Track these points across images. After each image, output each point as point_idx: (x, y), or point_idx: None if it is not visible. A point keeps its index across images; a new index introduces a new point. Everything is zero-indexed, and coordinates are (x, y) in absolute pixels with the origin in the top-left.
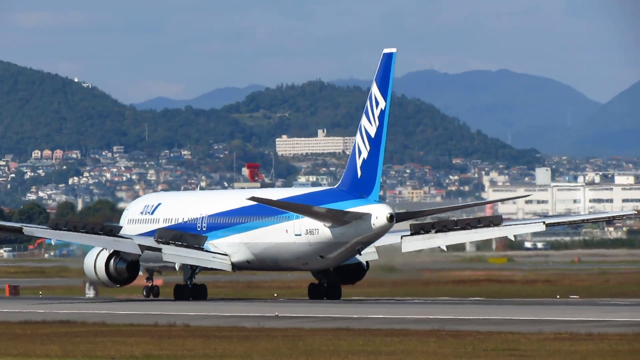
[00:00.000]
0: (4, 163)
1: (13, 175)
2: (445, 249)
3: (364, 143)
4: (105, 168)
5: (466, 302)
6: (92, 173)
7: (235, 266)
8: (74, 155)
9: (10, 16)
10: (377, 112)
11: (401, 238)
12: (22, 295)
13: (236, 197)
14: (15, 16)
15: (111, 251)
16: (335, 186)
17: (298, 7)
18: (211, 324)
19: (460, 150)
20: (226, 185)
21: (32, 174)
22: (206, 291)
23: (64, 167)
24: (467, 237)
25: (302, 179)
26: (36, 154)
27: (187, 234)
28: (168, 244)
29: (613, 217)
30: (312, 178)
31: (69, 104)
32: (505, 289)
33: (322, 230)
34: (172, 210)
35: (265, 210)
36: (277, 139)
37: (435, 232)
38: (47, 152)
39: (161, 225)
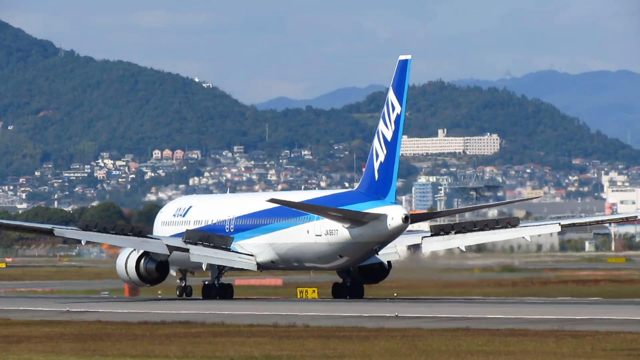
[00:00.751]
0: (124, 163)
1: (133, 175)
2: (464, 249)
3: (381, 146)
4: (225, 168)
5: (585, 302)
6: (212, 173)
7: (261, 266)
8: (194, 156)
9: (131, 17)
10: (393, 117)
11: (422, 239)
12: (141, 295)
13: (262, 200)
14: (136, 16)
15: (141, 252)
16: (354, 188)
17: (418, 8)
18: (331, 324)
19: (580, 150)
20: (347, 185)
21: (152, 174)
22: (232, 290)
23: (184, 167)
24: (485, 237)
25: (422, 179)
26: (156, 154)
27: (214, 235)
28: (196, 244)
29: (628, 218)
30: (432, 178)
31: (190, 104)
32: (624, 289)
33: (341, 231)
34: (203, 213)
35: (288, 212)
36: None
37: (455, 233)
38: (167, 152)
39: (192, 227)
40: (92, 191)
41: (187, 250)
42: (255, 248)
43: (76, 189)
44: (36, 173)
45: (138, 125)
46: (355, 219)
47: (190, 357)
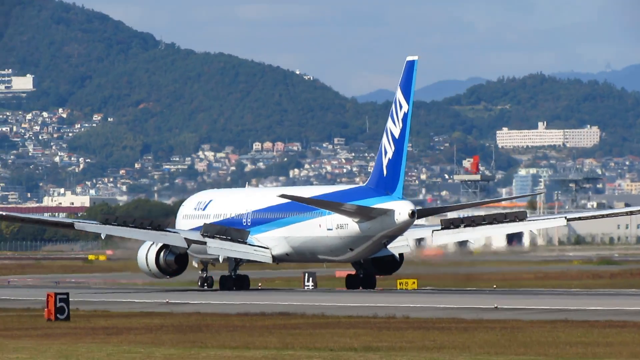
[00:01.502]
0: (224, 155)
1: (233, 167)
2: (473, 242)
3: (389, 144)
4: (325, 160)
5: None
6: (312, 165)
7: (276, 258)
8: (295, 148)
9: (231, 9)
10: (400, 115)
11: (432, 232)
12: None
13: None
14: (236, 9)
15: (160, 245)
16: (364, 184)
17: (518, 0)
18: (430, 316)
19: None
20: (447, 177)
21: (253, 166)
22: (249, 282)
23: (285, 159)
24: (494, 231)
25: (522, 172)
26: (257, 146)
27: (231, 229)
28: (213, 237)
29: (632, 211)
30: (533, 170)
31: (290, 96)
32: None
33: (351, 225)
34: (222, 207)
35: (301, 207)
36: (497, 132)
37: (464, 226)
38: (267, 144)
39: (212, 220)
40: (193, 183)
41: (204, 243)
42: (271, 241)
43: (176, 180)
44: (136, 165)
45: (239, 117)
46: (364, 214)
47: (289, 349)
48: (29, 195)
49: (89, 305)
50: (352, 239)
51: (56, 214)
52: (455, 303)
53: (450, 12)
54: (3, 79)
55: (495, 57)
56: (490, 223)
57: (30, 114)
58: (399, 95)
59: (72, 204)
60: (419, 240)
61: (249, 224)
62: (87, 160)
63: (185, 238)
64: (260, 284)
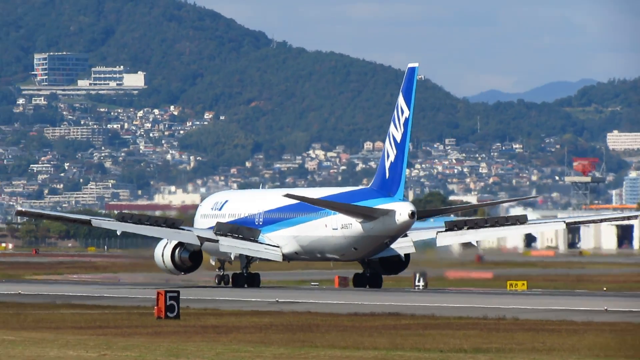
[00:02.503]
0: (335, 154)
1: (344, 167)
2: (476, 244)
3: (391, 147)
4: (436, 160)
5: None
6: (423, 165)
7: (286, 257)
8: None
9: (343, 8)
10: (402, 120)
11: (436, 233)
12: (350, 287)
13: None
14: (347, 8)
15: (176, 242)
16: (368, 186)
17: (630, 2)
18: (540, 317)
19: None
20: (557, 179)
21: (364, 165)
22: (259, 279)
23: None
24: (496, 233)
25: (633, 174)
26: (368, 145)
27: (243, 227)
28: (225, 236)
29: (629, 216)
30: None
31: None
32: None
33: (354, 225)
34: (236, 207)
35: (309, 207)
36: (608, 134)
37: (468, 228)
38: (378, 144)
39: (227, 219)
40: (303, 182)
41: (217, 241)
42: (281, 240)
43: (287, 179)
44: (247, 164)
45: (350, 117)
46: (366, 214)
47: (399, 349)
48: (139, 192)
49: (199, 304)
50: (356, 239)
51: (167, 212)
52: (565, 305)
53: (561, 13)
54: (115, 76)
55: (606, 58)
56: (493, 226)
57: (141, 112)
58: (401, 100)
59: (183, 202)
60: (529, 241)
61: (260, 223)
62: (198, 159)
63: (198, 236)
64: (318, 283)
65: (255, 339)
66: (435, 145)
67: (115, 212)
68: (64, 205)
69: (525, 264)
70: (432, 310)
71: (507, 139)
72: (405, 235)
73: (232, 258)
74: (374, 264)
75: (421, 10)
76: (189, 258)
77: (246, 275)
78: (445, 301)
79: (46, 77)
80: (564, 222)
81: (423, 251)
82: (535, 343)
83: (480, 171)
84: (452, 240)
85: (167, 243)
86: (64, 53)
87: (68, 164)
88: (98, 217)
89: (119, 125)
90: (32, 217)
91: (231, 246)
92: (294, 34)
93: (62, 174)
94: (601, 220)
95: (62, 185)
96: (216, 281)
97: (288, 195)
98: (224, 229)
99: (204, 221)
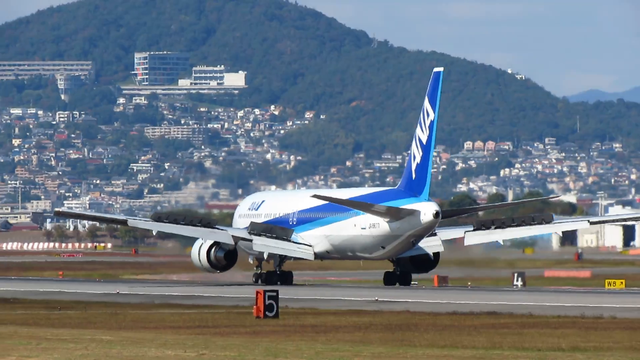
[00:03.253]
0: (435, 153)
1: (444, 166)
2: (502, 243)
3: (418, 149)
4: (536, 160)
5: None
6: (523, 165)
7: (318, 255)
8: (506, 147)
9: (443, 7)
10: (427, 123)
11: (464, 233)
12: (450, 285)
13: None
14: (447, 7)
15: (212, 242)
16: (396, 186)
17: None
18: (638, 316)
19: None
20: None
21: (464, 165)
22: (292, 277)
23: (496, 158)
24: (522, 232)
25: None
26: (468, 145)
27: (276, 227)
28: (259, 235)
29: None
30: None
31: (502, 95)
32: None
33: (382, 225)
34: (272, 207)
35: (340, 208)
36: None
37: (495, 228)
38: (478, 144)
39: (263, 219)
40: None
41: (250, 240)
42: (314, 239)
43: (387, 179)
44: (347, 163)
45: (450, 116)
46: (393, 214)
47: (497, 348)
48: (240, 192)
49: (297, 303)
50: (383, 238)
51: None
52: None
53: None
54: (215, 75)
55: None
56: (519, 225)
57: (242, 111)
58: (427, 104)
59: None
60: (628, 240)
61: (294, 223)
62: (298, 158)
63: (232, 235)
64: (469, 283)
65: (354, 338)
66: (535, 145)
67: (215, 211)
68: (164, 204)
69: (623, 263)
70: (530, 309)
71: (607, 138)
72: (434, 234)
73: (265, 257)
74: (405, 262)
75: (521, 10)
76: (224, 257)
77: (279, 273)
78: (543, 300)
79: (147, 76)
80: (588, 221)
81: (520, 250)
82: (633, 342)
83: (579, 170)
84: (480, 239)
85: (203, 242)
86: (165, 52)
87: (168, 163)
88: (134, 217)
89: (220, 125)
90: (70, 218)
91: (264, 245)
92: (395, 33)
93: (162, 174)
94: (625, 220)
95: (162, 185)
96: (254, 279)
97: (316, 196)
98: (257, 229)
99: (241, 221)
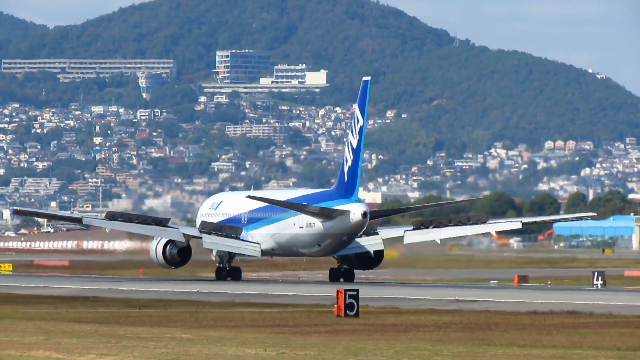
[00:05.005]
0: (517, 153)
1: (525, 165)
2: (439, 242)
3: (349, 153)
4: (617, 160)
5: None
6: (604, 164)
7: (265, 253)
8: (587, 146)
9: (524, 6)
10: (357, 128)
11: (404, 232)
12: (529, 284)
13: (271, 196)
14: (528, 6)
15: (167, 240)
16: (332, 188)
17: None
18: None
19: None
20: None
21: (545, 164)
22: (240, 273)
23: (577, 158)
24: (458, 232)
25: None
26: (549, 144)
27: (225, 226)
28: (210, 233)
29: (581, 216)
30: None
31: (583, 94)
32: None
33: (317, 224)
34: (229, 207)
35: (283, 208)
36: None
37: (433, 227)
38: (559, 143)
39: (220, 218)
40: (484, 181)
41: (200, 238)
42: (261, 237)
43: (468, 179)
44: (428, 162)
45: (531, 116)
46: (326, 214)
47: (577, 348)
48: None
49: (378, 302)
50: (319, 236)
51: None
52: None
53: None
54: (297, 74)
55: None
56: (456, 225)
57: (323, 110)
58: (357, 111)
59: (364, 200)
60: None
61: (245, 222)
62: (379, 157)
63: (183, 233)
64: (549, 282)
65: (434, 337)
66: (615, 144)
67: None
68: None
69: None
70: (610, 309)
71: None
72: (376, 234)
73: (214, 254)
74: (350, 259)
75: (601, 9)
76: (178, 254)
77: (228, 269)
78: (624, 299)
79: (228, 74)
80: (520, 222)
81: (599, 250)
82: None
83: None
84: (418, 238)
85: (159, 240)
86: (247, 51)
87: (249, 162)
88: (89, 215)
89: (301, 124)
90: (29, 215)
91: (213, 243)
92: (476, 32)
93: (242, 172)
94: (555, 220)
95: (242, 184)
96: (215, 275)
97: (250, 197)
98: (208, 227)
99: (203, 219)
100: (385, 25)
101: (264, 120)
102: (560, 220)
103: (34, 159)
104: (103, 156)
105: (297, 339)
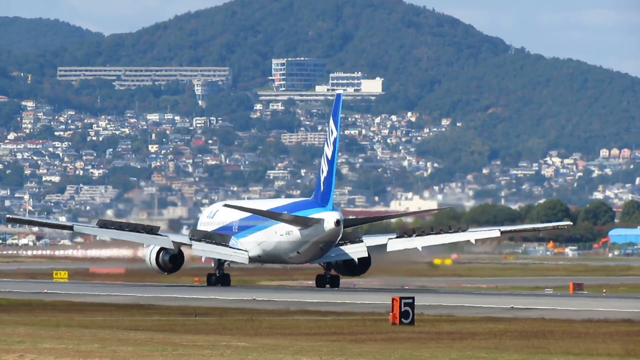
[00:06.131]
0: (572, 161)
1: (580, 173)
2: (420, 249)
3: (325, 164)
4: None
5: None
6: None
7: (252, 259)
8: None
9: (578, 14)
10: (331, 140)
11: (387, 240)
12: (584, 292)
13: (260, 205)
14: (583, 15)
15: (160, 247)
16: (311, 197)
17: None
18: None
19: None
20: None
21: (600, 172)
22: (229, 279)
23: (631, 166)
24: (439, 240)
25: None
26: (604, 152)
27: (215, 234)
28: (200, 241)
29: (556, 226)
30: None
31: (638, 103)
32: None
33: (295, 232)
34: (223, 216)
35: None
36: None
37: (416, 235)
38: (614, 151)
39: (215, 227)
40: (539, 189)
41: (190, 245)
42: (249, 245)
43: (523, 186)
44: (484, 170)
45: (586, 124)
46: (302, 223)
47: (632, 356)
48: (376, 199)
49: (433, 310)
50: (297, 243)
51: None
52: None
53: None
54: (353, 81)
55: None
56: (438, 233)
57: (379, 118)
58: (331, 123)
59: (419, 208)
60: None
61: (236, 230)
62: (434, 165)
63: (173, 241)
64: (604, 290)
65: (489, 345)
66: None
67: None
68: None
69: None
70: None
71: None
72: (361, 241)
73: (203, 260)
74: (338, 266)
75: None
76: (169, 260)
77: (218, 275)
78: None
79: (284, 82)
80: (499, 230)
81: None
82: None
83: None
84: (401, 245)
85: (153, 247)
86: (302, 59)
87: (304, 170)
88: (80, 223)
89: (357, 132)
90: (21, 223)
91: (202, 250)
92: (532, 40)
93: (298, 180)
94: (533, 230)
95: (298, 192)
96: (207, 281)
97: (226, 205)
98: (198, 235)
99: (202, 227)
100: (440, 34)
101: (319, 128)
102: (536, 230)
103: (89, 167)
104: (159, 164)
105: (352, 347)
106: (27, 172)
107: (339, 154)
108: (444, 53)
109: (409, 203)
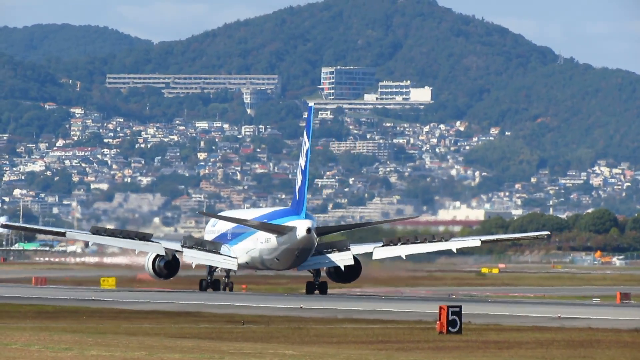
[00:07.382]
0: (620, 171)
1: (628, 183)
2: (404, 257)
3: (300, 174)
4: None
5: None
6: None
7: (240, 266)
8: None
9: (626, 25)
10: (304, 151)
11: (374, 248)
12: (632, 301)
13: (251, 214)
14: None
15: (156, 254)
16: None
17: None
18: None
19: None
20: None
21: None
22: (219, 285)
23: None
24: (423, 248)
25: None
26: None
27: (207, 241)
28: (191, 248)
29: (537, 235)
30: None
31: None
32: None
33: (272, 239)
34: (222, 225)
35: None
36: None
37: (401, 244)
38: None
39: (216, 235)
40: (587, 198)
41: (181, 252)
42: (238, 252)
43: (571, 195)
44: (532, 179)
45: (635, 134)
46: (277, 231)
47: None
48: (424, 208)
49: (481, 319)
50: (274, 250)
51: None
52: None
53: None
54: (402, 90)
55: None
56: (423, 242)
57: (427, 127)
58: (304, 135)
59: (467, 217)
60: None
61: (230, 237)
62: (483, 174)
63: (165, 248)
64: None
65: (536, 354)
66: None
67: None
68: (348, 220)
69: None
70: None
71: None
72: (348, 249)
73: (193, 267)
74: (330, 274)
75: None
76: (164, 266)
77: (210, 281)
78: None
79: (333, 91)
80: (479, 239)
81: None
82: None
83: None
84: (386, 253)
85: (151, 254)
86: (351, 67)
87: (353, 178)
88: (73, 230)
89: (405, 140)
90: (17, 230)
91: (193, 257)
92: (580, 50)
93: (346, 189)
94: (514, 239)
95: (346, 200)
96: (199, 287)
97: (201, 213)
98: (190, 242)
99: (207, 236)
100: (490, 43)
101: (368, 137)
102: (515, 239)
103: (137, 174)
104: (207, 172)
105: (399, 356)
106: (75, 179)
107: (387, 162)
108: (493, 62)
109: (456, 212)
